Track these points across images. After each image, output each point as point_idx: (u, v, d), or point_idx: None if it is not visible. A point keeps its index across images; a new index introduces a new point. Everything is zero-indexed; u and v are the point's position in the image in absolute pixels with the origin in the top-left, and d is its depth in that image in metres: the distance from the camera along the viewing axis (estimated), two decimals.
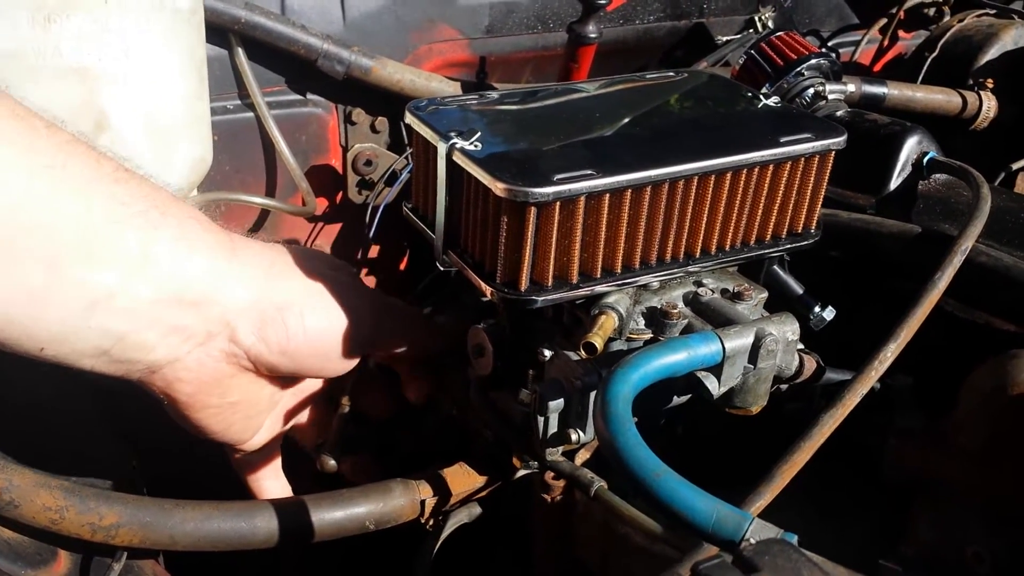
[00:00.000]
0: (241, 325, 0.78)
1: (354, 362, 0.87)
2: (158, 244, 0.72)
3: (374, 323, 0.87)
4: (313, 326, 0.82)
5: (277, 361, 0.81)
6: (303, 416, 0.95)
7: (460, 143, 0.76)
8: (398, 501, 0.86)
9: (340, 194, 1.33)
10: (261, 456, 0.93)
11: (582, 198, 0.72)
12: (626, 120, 0.85)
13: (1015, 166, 1.33)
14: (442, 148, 0.77)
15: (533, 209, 0.71)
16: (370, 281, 1.39)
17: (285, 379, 0.87)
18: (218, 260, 0.77)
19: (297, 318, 0.81)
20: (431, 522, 0.89)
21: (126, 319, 0.72)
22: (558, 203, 0.71)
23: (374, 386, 0.97)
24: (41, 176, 0.66)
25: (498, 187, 0.71)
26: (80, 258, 0.68)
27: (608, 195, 0.73)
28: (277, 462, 0.96)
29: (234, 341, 0.79)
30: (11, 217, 0.64)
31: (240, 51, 1.18)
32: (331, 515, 0.83)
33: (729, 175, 0.79)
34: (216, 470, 1.03)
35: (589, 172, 0.72)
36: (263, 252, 0.82)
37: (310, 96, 1.26)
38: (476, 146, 0.76)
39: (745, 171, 0.79)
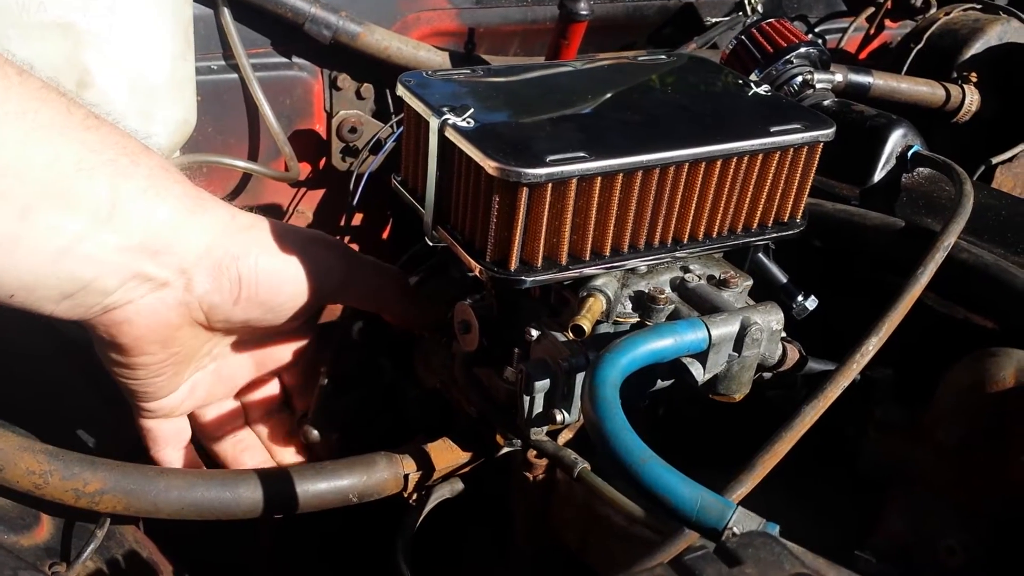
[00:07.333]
0: (196, 274, 0.78)
1: (309, 311, 0.86)
2: (128, 193, 0.73)
3: (345, 273, 0.87)
4: (265, 268, 0.81)
5: (230, 311, 0.81)
6: (217, 396, 0.92)
7: (452, 119, 0.75)
8: (382, 474, 0.86)
9: (324, 160, 1.31)
10: (172, 426, 0.90)
11: (574, 180, 0.72)
12: (619, 103, 0.85)
13: (995, 160, 1.34)
14: (434, 123, 0.77)
15: (525, 189, 0.71)
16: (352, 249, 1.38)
17: (225, 345, 0.87)
18: (182, 211, 0.77)
19: (251, 265, 0.80)
20: (414, 497, 0.89)
21: (92, 266, 0.72)
22: (550, 184, 0.71)
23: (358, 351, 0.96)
24: (11, 123, 0.66)
25: (490, 166, 0.70)
26: (51, 204, 0.68)
27: (600, 178, 0.73)
28: (186, 434, 0.92)
29: (188, 290, 0.78)
30: None
31: (226, 11, 1.16)
32: (315, 487, 0.83)
33: (719, 163, 0.79)
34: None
35: (582, 155, 0.72)
36: (229, 207, 0.82)
37: (295, 59, 1.25)
38: (468, 122, 0.75)
39: (735, 159, 0.80)
